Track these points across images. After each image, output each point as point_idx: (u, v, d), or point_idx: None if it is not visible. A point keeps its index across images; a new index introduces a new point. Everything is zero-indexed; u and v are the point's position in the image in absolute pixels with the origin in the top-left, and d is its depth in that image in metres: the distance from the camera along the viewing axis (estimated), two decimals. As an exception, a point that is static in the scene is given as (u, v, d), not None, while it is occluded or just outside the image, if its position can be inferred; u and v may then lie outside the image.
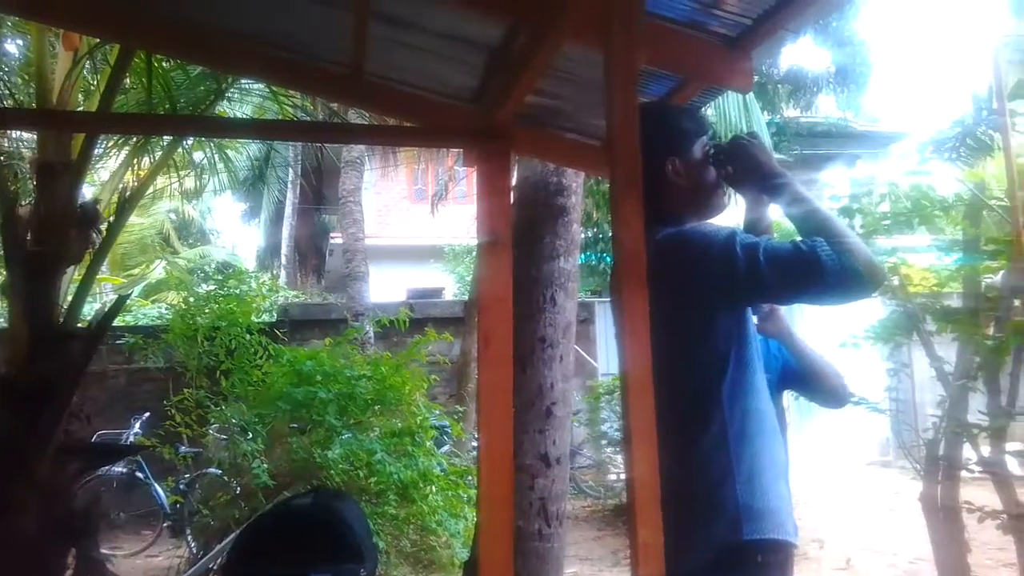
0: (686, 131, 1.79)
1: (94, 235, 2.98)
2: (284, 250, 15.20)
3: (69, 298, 3.20)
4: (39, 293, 2.97)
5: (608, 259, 9.98)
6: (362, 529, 1.22)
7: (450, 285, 14.36)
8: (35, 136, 3.22)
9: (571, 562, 5.36)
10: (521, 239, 3.20)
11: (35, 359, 2.92)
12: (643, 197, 1.49)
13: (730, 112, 6.44)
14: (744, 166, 1.72)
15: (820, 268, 1.49)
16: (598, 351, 9.37)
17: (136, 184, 3.40)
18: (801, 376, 2.13)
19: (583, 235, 9.07)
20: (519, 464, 3.04)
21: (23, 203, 3.00)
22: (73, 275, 3.28)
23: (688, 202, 1.75)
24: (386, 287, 11.92)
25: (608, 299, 9.85)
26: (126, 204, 3.21)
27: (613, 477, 8.36)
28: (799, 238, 1.57)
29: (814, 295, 1.59)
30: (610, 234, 9.60)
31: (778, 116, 11.99)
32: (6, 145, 3.87)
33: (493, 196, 2.58)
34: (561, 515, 3.32)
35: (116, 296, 7.09)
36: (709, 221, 1.74)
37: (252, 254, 17.97)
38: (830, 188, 5.23)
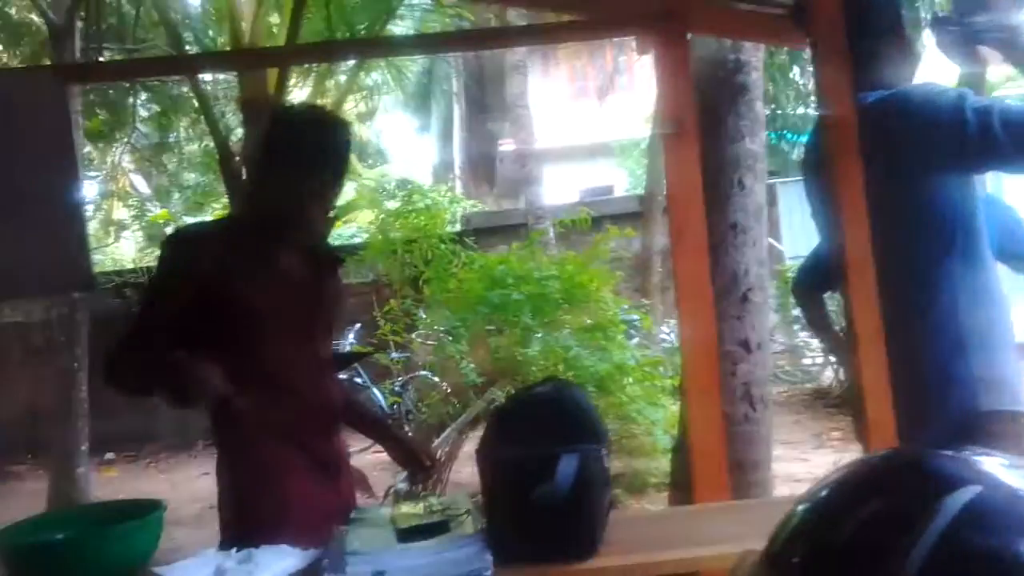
0: None
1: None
2: (457, 162, 15.58)
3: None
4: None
5: (790, 136, 9.44)
6: (596, 413, 1.30)
7: (620, 181, 14.20)
8: (234, 76, 3.44)
9: (772, 446, 5.35)
10: (701, 123, 3.12)
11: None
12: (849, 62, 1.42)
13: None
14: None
15: None
16: (783, 234, 9.04)
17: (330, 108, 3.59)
18: None
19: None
20: (720, 351, 3.05)
21: (233, 139, 3.28)
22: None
23: (898, 64, 1.64)
24: (557, 188, 11.97)
25: (790, 180, 9.40)
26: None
27: (808, 361, 8.17)
28: None
29: None
30: (789, 109, 9.07)
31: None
32: (208, 89, 4.20)
33: (673, 82, 2.51)
34: (766, 399, 3.32)
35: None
36: (929, 81, 1.62)
37: (426, 169, 18.55)
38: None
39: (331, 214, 1.86)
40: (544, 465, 1.22)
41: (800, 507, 0.59)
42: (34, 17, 7.25)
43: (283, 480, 1.63)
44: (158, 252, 1.75)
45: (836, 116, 1.41)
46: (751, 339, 3.26)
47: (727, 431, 3.05)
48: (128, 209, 9.56)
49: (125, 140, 7.78)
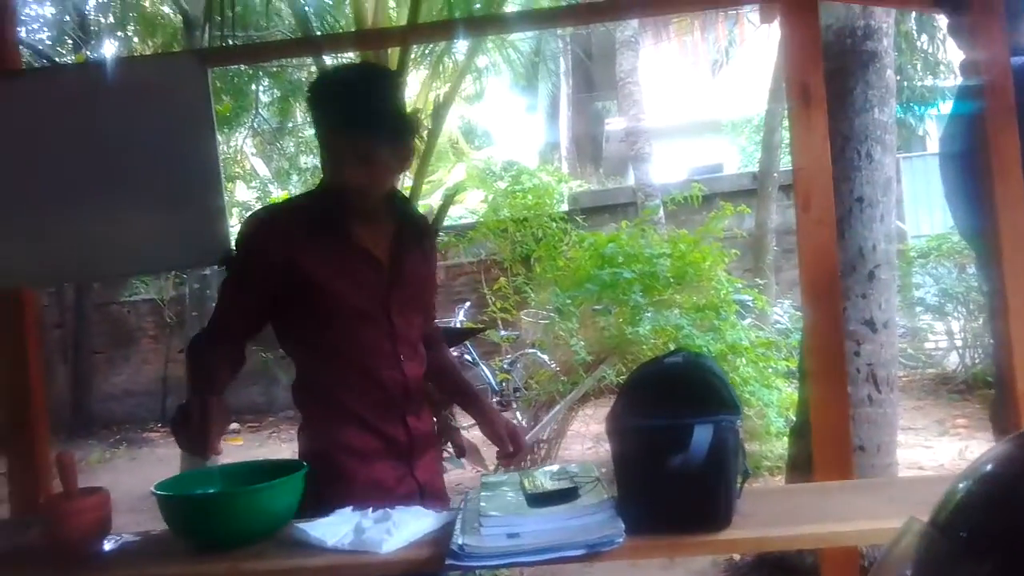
0: None
1: (417, 142, 3.28)
2: (564, 142, 15.53)
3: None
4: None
5: (918, 108, 8.95)
6: (729, 383, 1.28)
7: (730, 158, 13.83)
8: (356, 56, 3.50)
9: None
10: (829, 92, 3.00)
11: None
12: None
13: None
14: None
15: None
16: (906, 212, 8.62)
17: (447, 89, 3.67)
18: None
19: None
20: (844, 330, 2.95)
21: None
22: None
23: None
24: (665, 166, 11.78)
25: (915, 155, 8.91)
26: (440, 110, 3.47)
27: (931, 345, 7.78)
28: None
29: None
30: (916, 80, 8.57)
31: None
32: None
33: (801, 50, 2.42)
34: (892, 381, 3.19)
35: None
36: None
37: (532, 150, 18.58)
38: None
39: (403, 182, 1.73)
40: (678, 435, 1.21)
41: (965, 482, 0.58)
42: (165, 8, 7.67)
43: (349, 459, 1.61)
44: (236, 237, 1.69)
45: (992, 83, 1.33)
46: (877, 318, 3.14)
47: (850, 413, 2.96)
48: (251, 191, 10.01)
49: (248, 124, 8.14)
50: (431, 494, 1.70)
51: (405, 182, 3.69)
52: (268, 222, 1.69)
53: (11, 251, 2.41)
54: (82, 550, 1.42)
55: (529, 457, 4.69)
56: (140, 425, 9.16)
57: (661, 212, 8.06)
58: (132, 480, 5.85)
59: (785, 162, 8.44)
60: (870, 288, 3.13)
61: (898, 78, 9.20)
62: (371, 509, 1.45)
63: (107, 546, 1.48)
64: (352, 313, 1.63)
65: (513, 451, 1.84)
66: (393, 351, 1.67)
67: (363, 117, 1.55)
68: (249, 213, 1.81)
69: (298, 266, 1.59)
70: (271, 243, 1.60)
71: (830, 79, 3.12)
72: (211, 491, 1.50)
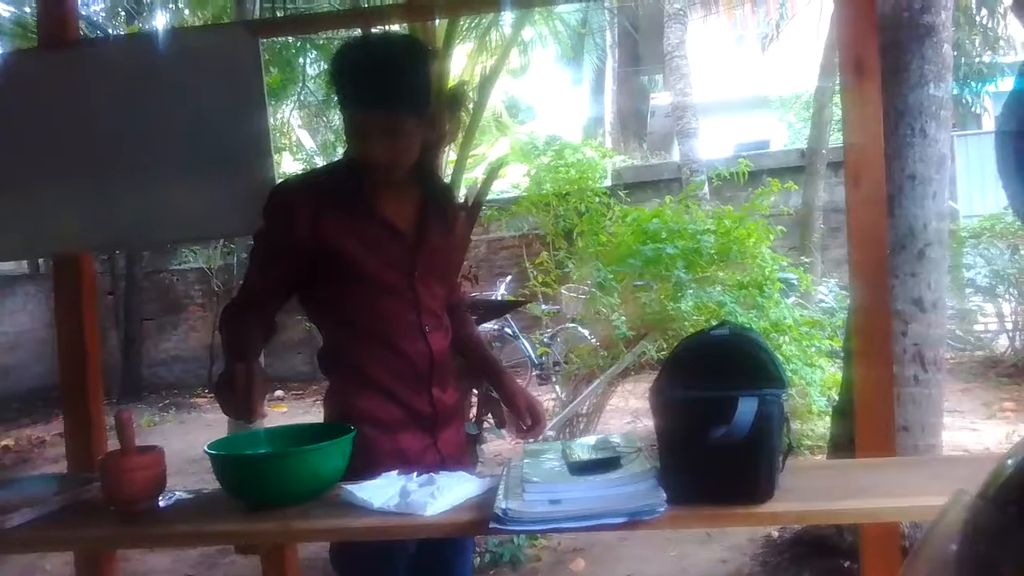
0: None
1: (463, 115, 3.29)
2: (608, 116, 15.39)
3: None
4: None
5: (975, 85, 8.68)
6: (775, 357, 1.28)
7: (778, 134, 13.57)
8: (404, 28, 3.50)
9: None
10: (883, 67, 2.94)
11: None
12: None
13: None
14: None
15: None
16: (959, 191, 8.41)
17: (493, 62, 3.66)
18: None
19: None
20: (891, 309, 2.91)
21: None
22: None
23: None
24: (711, 142, 11.62)
25: (970, 133, 8.65)
26: (486, 83, 3.47)
27: (980, 327, 7.62)
28: None
29: None
30: (973, 56, 8.32)
31: None
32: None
33: (856, 22, 2.37)
34: (939, 361, 3.14)
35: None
36: None
37: (576, 125, 18.45)
38: None
39: (447, 156, 1.69)
40: (722, 407, 1.22)
41: (1015, 458, 0.58)
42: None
43: (373, 429, 1.61)
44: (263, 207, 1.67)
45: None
46: (926, 298, 3.09)
47: (895, 392, 2.93)
48: (297, 163, 10.12)
49: (294, 97, 8.22)
50: (453, 467, 1.67)
51: (449, 156, 3.71)
52: (293, 193, 1.68)
53: (70, 217, 2.49)
54: (138, 505, 1.47)
55: (568, 430, 4.72)
56: (188, 390, 9.41)
57: (706, 188, 7.97)
58: (180, 444, 6.02)
59: (834, 139, 8.27)
60: (919, 267, 3.08)
61: (955, 53, 8.93)
62: (415, 473, 1.48)
63: (162, 502, 1.54)
64: (376, 284, 1.62)
65: (531, 425, 1.84)
66: (417, 322, 1.67)
67: (384, 90, 1.51)
68: (276, 184, 1.80)
69: (322, 237, 1.58)
70: (296, 214, 1.60)
71: (885, 53, 3.06)
72: (262, 451, 1.55)
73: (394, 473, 1.50)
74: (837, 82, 3.65)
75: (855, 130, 2.32)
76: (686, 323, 4.44)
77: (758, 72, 13.62)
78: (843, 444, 3.11)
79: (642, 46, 15.70)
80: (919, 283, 3.08)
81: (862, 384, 2.27)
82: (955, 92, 9.11)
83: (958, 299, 7.53)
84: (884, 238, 2.35)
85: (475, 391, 3.22)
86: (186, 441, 6.31)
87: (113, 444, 1.70)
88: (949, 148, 3.19)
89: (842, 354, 3.83)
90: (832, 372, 4.74)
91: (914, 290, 3.08)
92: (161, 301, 10.22)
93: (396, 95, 1.52)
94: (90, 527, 1.51)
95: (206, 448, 1.47)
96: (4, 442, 7.20)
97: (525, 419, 1.83)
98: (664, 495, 1.24)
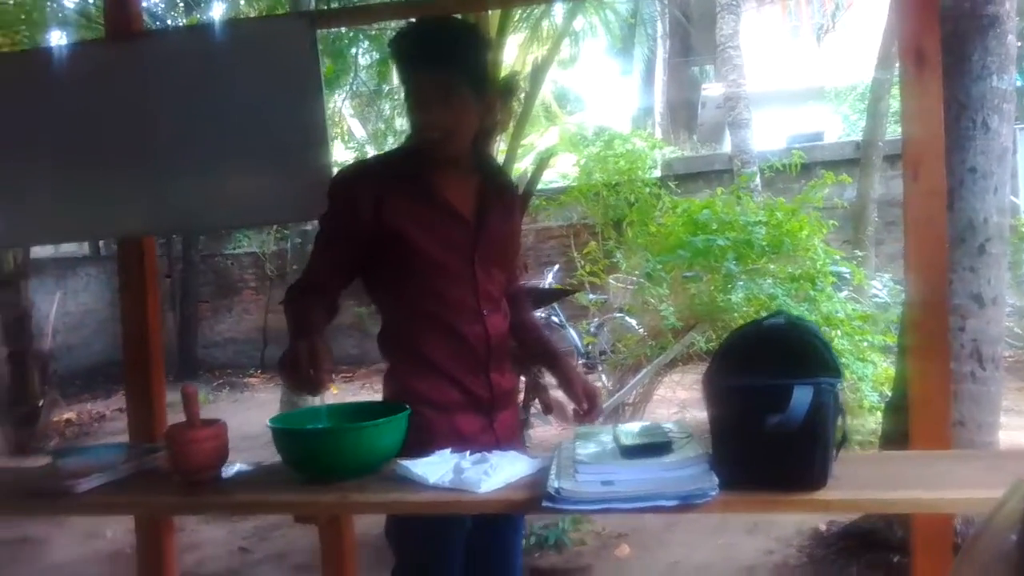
0: None
1: (515, 104, 3.31)
2: (658, 107, 15.26)
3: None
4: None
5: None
6: (831, 346, 1.28)
7: (832, 127, 13.33)
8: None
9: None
10: (944, 58, 2.88)
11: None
12: None
13: None
14: None
15: None
16: (1020, 185, 8.16)
17: (544, 52, 3.67)
18: None
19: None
20: (949, 304, 2.86)
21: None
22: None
23: None
24: (763, 134, 11.46)
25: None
26: (537, 73, 3.48)
27: (1040, 326, 7.40)
28: None
29: None
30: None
31: None
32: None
33: (916, 12, 2.33)
34: (997, 358, 3.08)
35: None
36: None
37: (626, 115, 18.33)
38: None
39: (498, 145, 1.71)
40: (777, 396, 1.22)
41: None
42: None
43: (431, 410, 1.64)
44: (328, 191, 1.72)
45: None
46: (985, 294, 3.03)
47: (951, 389, 2.88)
48: (348, 151, 10.26)
49: (347, 86, 8.32)
50: (507, 449, 1.68)
51: (500, 145, 3.73)
52: (356, 177, 1.72)
53: (133, 202, 2.58)
54: (202, 475, 1.53)
55: (614, 419, 4.73)
56: (241, 371, 9.65)
57: (758, 179, 7.87)
58: (234, 421, 6.08)
59: (891, 131, 8.09)
60: (979, 262, 3.02)
61: (1019, 44, 8.66)
62: (469, 452, 1.52)
63: (224, 474, 1.60)
64: (436, 268, 1.65)
65: (588, 409, 1.85)
66: (476, 306, 1.69)
67: (440, 54, 1.57)
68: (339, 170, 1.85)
69: (384, 220, 1.62)
70: (359, 197, 1.64)
71: (946, 43, 2.98)
72: (322, 426, 1.60)
73: (448, 451, 1.53)
74: (895, 74, 3.58)
75: (914, 122, 2.29)
76: (736, 315, 4.41)
77: (813, 63, 13.38)
78: (895, 440, 3.06)
79: (694, 36, 15.53)
80: (978, 278, 3.02)
81: (918, 379, 2.24)
82: (1019, 84, 8.84)
83: (1018, 296, 7.33)
84: (943, 232, 2.32)
85: (523, 377, 3.25)
86: (240, 419, 6.45)
87: (172, 419, 1.77)
88: (1012, 142, 3.11)
89: (896, 349, 3.77)
90: (885, 367, 4.67)
91: (973, 285, 3.02)
92: (216, 284, 10.47)
93: (452, 59, 1.57)
94: (156, 494, 1.57)
95: (268, 422, 1.52)
96: (67, 415, 7.47)
97: (582, 404, 1.84)
98: (716, 479, 1.25)
